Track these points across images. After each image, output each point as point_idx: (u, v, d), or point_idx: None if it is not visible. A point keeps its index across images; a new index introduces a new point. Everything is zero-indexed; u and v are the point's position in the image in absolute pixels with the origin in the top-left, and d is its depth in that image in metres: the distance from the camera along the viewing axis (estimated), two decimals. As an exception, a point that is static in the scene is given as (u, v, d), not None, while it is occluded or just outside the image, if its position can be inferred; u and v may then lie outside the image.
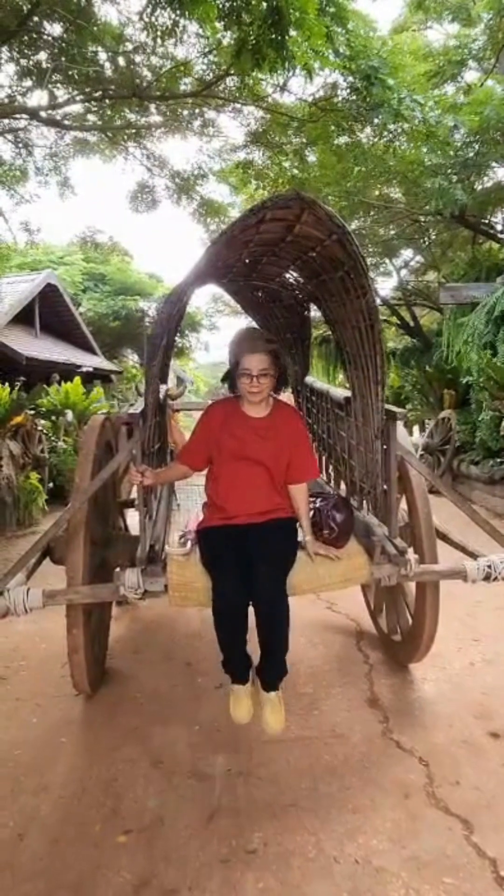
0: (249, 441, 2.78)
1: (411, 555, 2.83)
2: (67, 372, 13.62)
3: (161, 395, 3.79)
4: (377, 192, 13.39)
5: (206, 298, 22.54)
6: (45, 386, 11.99)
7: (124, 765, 2.78)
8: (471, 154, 10.73)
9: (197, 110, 10.65)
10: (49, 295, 16.07)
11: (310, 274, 3.06)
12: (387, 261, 18.66)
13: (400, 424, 3.01)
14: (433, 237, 17.03)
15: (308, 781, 2.64)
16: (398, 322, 18.37)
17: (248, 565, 2.56)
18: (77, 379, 11.69)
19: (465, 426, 9.60)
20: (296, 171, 10.42)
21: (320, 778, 2.67)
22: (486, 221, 14.10)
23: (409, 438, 3.34)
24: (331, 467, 3.89)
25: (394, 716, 3.15)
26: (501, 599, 4.72)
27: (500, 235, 12.87)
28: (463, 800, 2.50)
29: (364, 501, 3.27)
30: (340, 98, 8.45)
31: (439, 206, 9.51)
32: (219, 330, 23.53)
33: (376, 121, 8.58)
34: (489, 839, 2.28)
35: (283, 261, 3.10)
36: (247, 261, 3.14)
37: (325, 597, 4.88)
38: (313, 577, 2.80)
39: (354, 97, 7.48)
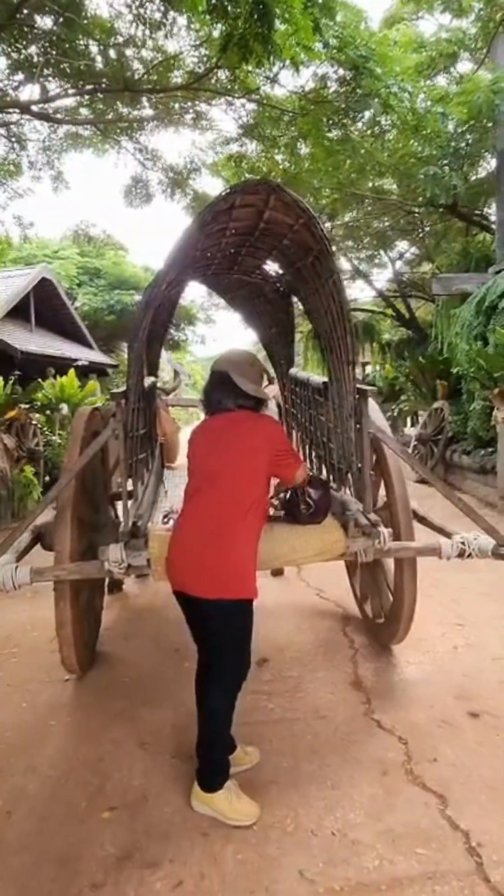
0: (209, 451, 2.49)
1: (384, 529, 2.89)
2: (63, 366, 13.66)
3: (148, 385, 3.85)
4: (370, 185, 13.41)
5: (202, 291, 22.60)
6: (39, 380, 12.03)
7: (111, 745, 2.85)
8: (463, 144, 10.78)
9: (189, 103, 10.65)
10: (44, 289, 16.10)
11: (286, 263, 3.12)
12: (381, 252, 18.72)
13: (374, 404, 3.07)
14: (427, 229, 17.09)
15: (289, 760, 2.71)
16: (393, 314, 18.41)
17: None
18: (72, 372, 11.74)
19: (457, 416, 9.66)
20: (288, 165, 10.42)
21: (302, 756, 2.74)
22: (479, 213, 14.15)
23: (384, 418, 3.40)
24: (313, 454, 3.95)
25: (376, 697, 3.22)
26: (486, 585, 4.80)
27: (492, 226, 12.86)
28: (439, 776, 2.57)
29: (343, 482, 3.33)
30: (330, 90, 8.48)
31: (433, 194, 9.54)
32: (215, 323, 23.61)
33: (367, 114, 8.63)
34: (463, 812, 2.35)
35: (261, 251, 3.16)
36: (227, 252, 3.19)
37: (314, 584, 4.97)
38: (290, 550, 2.88)
39: (343, 89, 7.50)
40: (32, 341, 14.66)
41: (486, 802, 2.41)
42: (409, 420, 13.73)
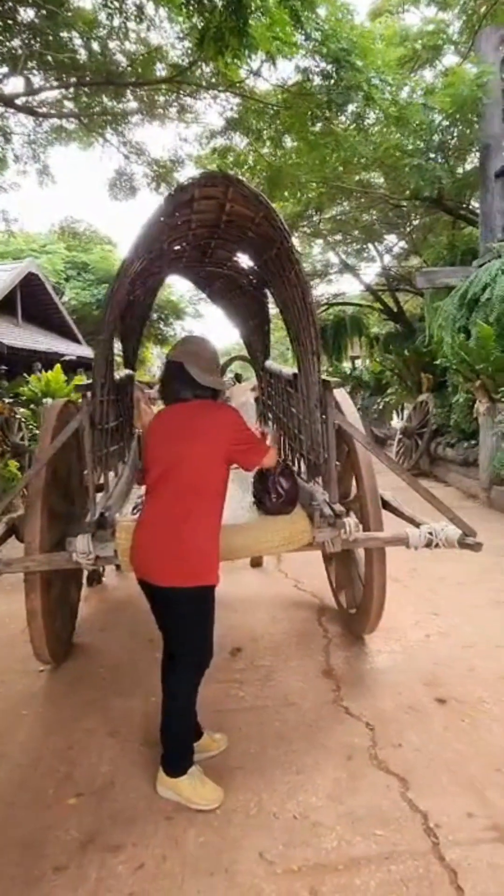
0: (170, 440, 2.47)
1: (351, 519, 2.93)
2: (50, 360, 13.63)
3: (122, 377, 3.87)
4: (356, 178, 13.41)
5: (189, 286, 22.51)
6: (25, 375, 12.01)
7: (81, 734, 2.88)
8: (448, 138, 10.81)
9: (173, 96, 10.63)
10: (31, 284, 16.05)
11: (254, 255, 3.15)
12: (369, 246, 18.74)
13: (345, 396, 3.09)
14: (415, 222, 17.12)
15: (257, 746, 2.75)
16: (381, 308, 18.44)
17: None
18: (58, 367, 11.71)
19: (441, 409, 9.72)
20: (273, 158, 10.42)
21: (269, 742, 2.77)
22: (466, 206, 14.17)
23: (355, 410, 3.43)
24: (287, 445, 3.99)
25: (346, 685, 3.26)
26: (463, 575, 4.86)
27: (477, 220, 12.86)
28: (403, 760, 2.61)
29: (313, 473, 3.36)
30: (314, 83, 8.48)
31: (418, 186, 9.54)
32: (203, 318, 23.57)
33: (350, 108, 8.64)
34: (424, 795, 2.39)
35: (230, 244, 3.19)
36: (197, 245, 3.21)
37: (293, 575, 5.01)
38: (258, 540, 2.91)
39: (326, 82, 7.50)
40: (19, 336, 14.61)
41: (447, 785, 2.45)
42: (394, 413, 13.78)
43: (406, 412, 11.55)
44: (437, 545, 3.09)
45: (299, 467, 3.60)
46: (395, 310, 18.12)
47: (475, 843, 2.14)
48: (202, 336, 2.69)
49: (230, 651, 3.67)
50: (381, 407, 12.71)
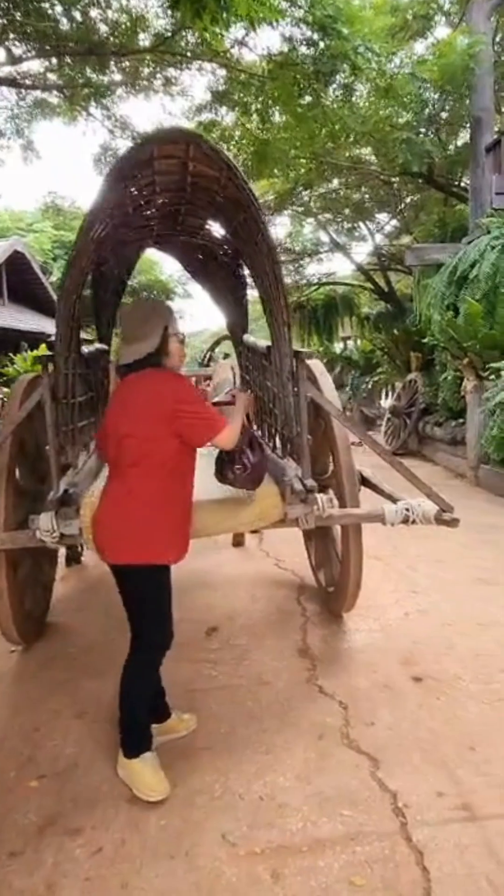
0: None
1: (324, 495, 2.85)
2: (37, 340, 13.45)
3: (91, 351, 3.76)
4: (347, 154, 13.20)
5: (178, 266, 22.25)
6: (11, 355, 11.85)
7: (48, 715, 2.82)
8: (438, 109, 10.61)
9: (157, 67, 10.37)
10: (16, 262, 15.81)
11: (225, 222, 3.03)
12: (361, 225, 18.52)
13: (322, 369, 2.99)
14: (406, 201, 16.91)
15: (227, 726, 2.69)
16: (372, 287, 18.27)
17: None
18: (42, 346, 11.54)
19: (430, 388, 9.64)
20: (261, 132, 10.20)
21: (240, 722, 2.71)
22: (457, 184, 13.99)
23: (331, 384, 3.34)
24: (261, 420, 3.89)
25: (321, 663, 3.20)
26: (444, 553, 4.81)
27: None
28: (374, 739, 2.56)
29: (286, 448, 3.27)
30: (299, 53, 8.27)
31: (406, 161, 9.37)
32: (192, 298, 23.31)
33: (338, 79, 8.44)
34: (394, 774, 2.34)
35: (200, 210, 3.06)
36: (166, 211, 3.08)
37: (274, 554, 4.95)
38: (228, 517, 2.83)
39: (311, 51, 7.30)
40: (4, 316, 14.41)
41: (418, 764, 2.40)
42: (384, 393, 13.69)
43: (395, 392, 11.45)
44: (414, 521, 3.01)
45: (274, 444, 3.51)
46: (386, 289, 17.95)
47: (444, 823, 2.09)
48: (139, 300, 2.58)
49: (206, 630, 3.60)
50: (369, 386, 12.60)
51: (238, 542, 5.18)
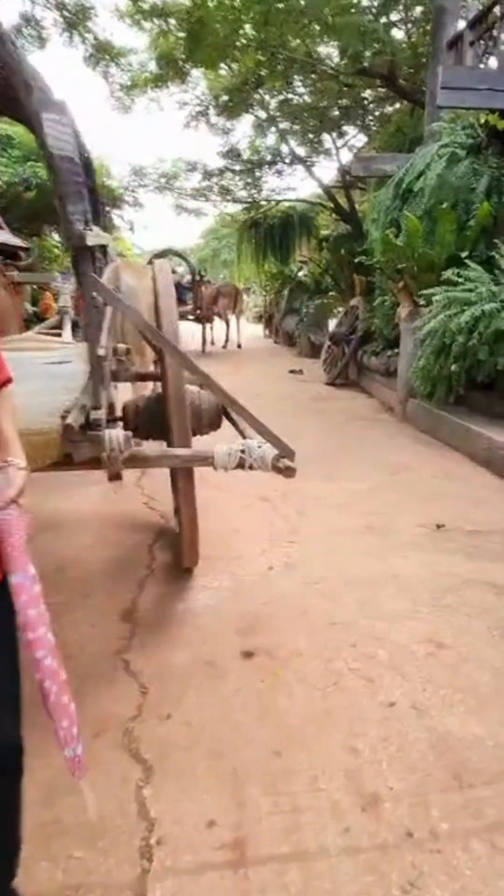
0: None
1: (114, 431, 2.21)
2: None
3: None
4: (304, 49, 11.88)
5: (127, 171, 20.47)
6: None
7: None
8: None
9: None
10: None
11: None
12: (326, 136, 17.15)
13: (165, 270, 2.31)
14: (374, 112, 15.64)
15: (-15, 716, 2.13)
16: (332, 207, 17.12)
17: None
18: None
19: (369, 314, 8.94)
20: (195, 9, 8.95)
21: (4, 711, 2.16)
22: (423, 89, 12.81)
23: (170, 287, 2.65)
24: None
25: (142, 631, 2.66)
26: (345, 495, 4.30)
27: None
28: (162, 738, 2.03)
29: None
30: None
31: (357, 51, 8.29)
32: (143, 207, 21.62)
33: None
34: (163, 793, 1.82)
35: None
36: None
37: (149, 492, 4.36)
38: None
39: None
40: None
41: (200, 776, 1.88)
42: (331, 319, 12.94)
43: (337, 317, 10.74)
44: (251, 467, 2.42)
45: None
46: (349, 209, 16.83)
47: (198, 872, 1.57)
48: None
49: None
50: (311, 311, 11.81)
51: (115, 475, 4.55)
